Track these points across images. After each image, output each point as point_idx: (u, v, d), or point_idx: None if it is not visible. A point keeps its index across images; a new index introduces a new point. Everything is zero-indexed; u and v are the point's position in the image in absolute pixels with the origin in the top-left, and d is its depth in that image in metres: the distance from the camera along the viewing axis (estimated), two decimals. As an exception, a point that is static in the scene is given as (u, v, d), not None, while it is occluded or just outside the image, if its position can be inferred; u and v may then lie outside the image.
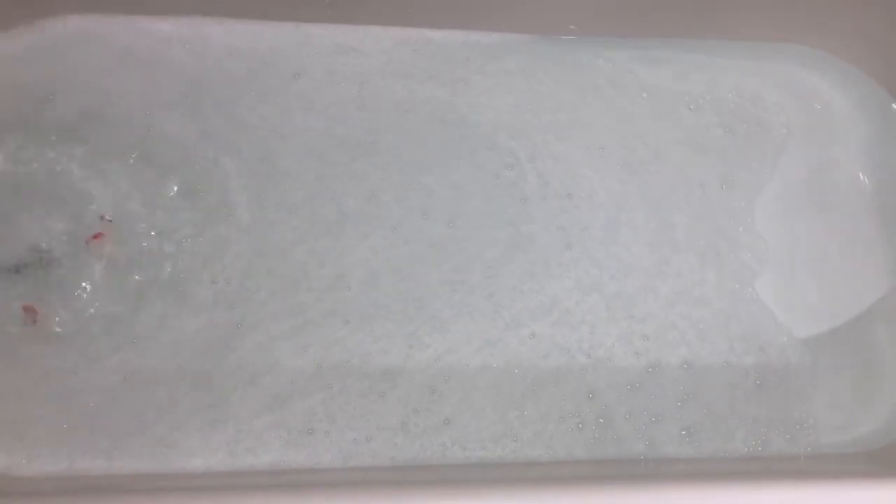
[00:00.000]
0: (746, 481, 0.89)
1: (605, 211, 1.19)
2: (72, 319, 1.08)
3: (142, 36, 1.18)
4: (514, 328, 1.12)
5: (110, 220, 1.11)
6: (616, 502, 0.86)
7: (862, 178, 1.24)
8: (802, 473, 1.02)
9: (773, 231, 1.21)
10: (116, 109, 1.15)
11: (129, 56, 1.17)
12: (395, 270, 1.13)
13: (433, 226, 1.16)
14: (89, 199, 1.12)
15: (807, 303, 1.18)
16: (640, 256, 1.17)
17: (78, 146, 1.13)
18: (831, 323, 1.18)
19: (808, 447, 1.11)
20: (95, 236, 1.10)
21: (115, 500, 0.88)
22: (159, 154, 1.15)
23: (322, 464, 1.04)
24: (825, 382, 1.15)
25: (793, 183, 1.23)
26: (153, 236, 1.12)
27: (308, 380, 1.08)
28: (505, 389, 1.10)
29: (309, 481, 1.02)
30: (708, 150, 1.23)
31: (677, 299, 1.16)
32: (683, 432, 1.10)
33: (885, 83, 1.26)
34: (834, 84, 1.28)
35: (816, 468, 1.09)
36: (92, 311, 1.08)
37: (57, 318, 1.08)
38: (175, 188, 1.14)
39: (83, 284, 1.09)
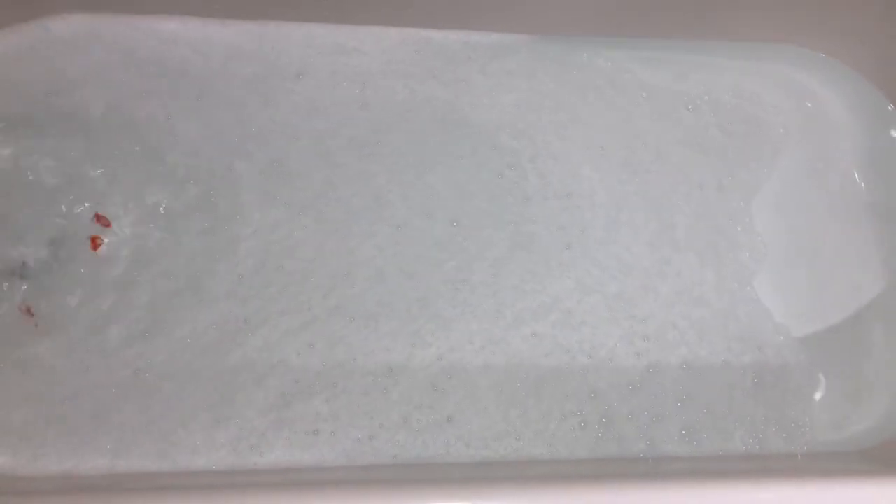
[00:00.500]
0: (745, 480, 0.89)
1: (605, 211, 1.19)
2: (77, 319, 1.08)
3: (146, 35, 1.18)
4: (515, 327, 1.13)
5: (107, 223, 1.11)
6: (617, 500, 0.86)
7: (857, 179, 1.25)
8: (799, 472, 1.02)
9: (771, 231, 1.22)
10: (120, 109, 1.15)
11: (134, 55, 1.17)
12: (399, 269, 1.13)
13: (437, 225, 1.16)
14: (91, 198, 1.12)
15: (803, 302, 1.19)
16: (640, 256, 1.18)
17: (81, 145, 1.13)
18: (827, 322, 1.19)
19: (805, 446, 1.12)
20: (93, 238, 1.10)
21: (118, 499, 0.88)
22: (166, 154, 1.14)
23: (326, 462, 1.04)
24: (821, 381, 1.16)
25: (790, 183, 1.24)
26: (159, 235, 1.12)
27: (313, 378, 1.08)
28: (507, 388, 1.10)
29: (312, 479, 1.02)
30: (707, 151, 1.24)
31: (677, 299, 1.17)
32: (683, 432, 1.11)
33: (882, 86, 1.27)
34: (832, 86, 1.29)
35: (812, 466, 1.09)
36: (99, 310, 1.08)
37: (61, 319, 1.08)
38: (181, 187, 1.14)
39: (87, 284, 1.09)
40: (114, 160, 1.13)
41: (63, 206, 1.11)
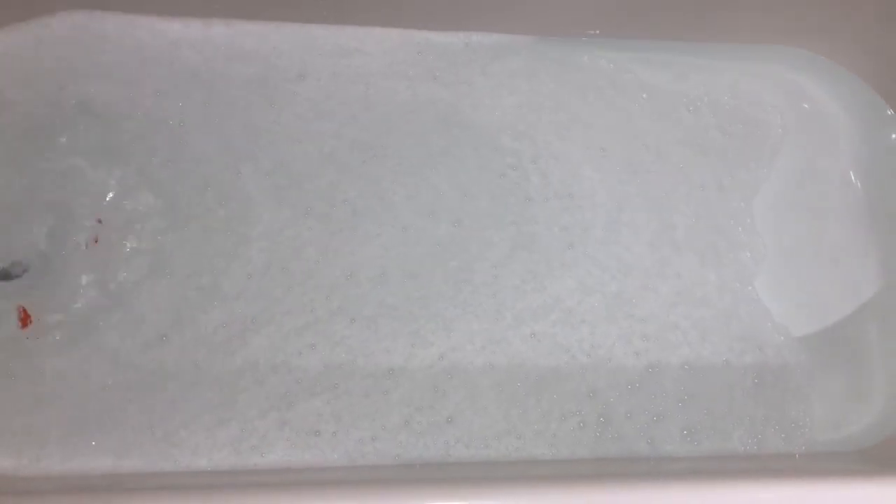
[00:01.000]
0: (744, 479, 0.89)
1: (605, 211, 1.20)
2: (85, 319, 1.08)
3: (149, 34, 1.18)
4: (516, 327, 1.13)
5: (98, 221, 1.11)
6: (618, 500, 0.86)
7: (854, 179, 1.26)
8: (798, 471, 1.03)
9: (771, 231, 1.22)
10: (126, 109, 1.15)
11: (137, 55, 1.17)
12: (402, 269, 1.14)
13: (441, 225, 1.16)
14: (92, 199, 1.12)
15: (802, 302, 1.20)
16: (641, 257, 1.18)
17: (86, 144, 1.13)
18: (824, 322, 1.20)
19: (804, 445, 1.12)
20: (95, 237, 1.10)
21: (119, 499, 0.88)
22: (173, 154, 1.15)
23: (327, 463, 1.05)
24: (819, 381, 1.16)
25: (789, 184, 1.25)
26: (166, 235, 1.12)
27: (314, 379, 1.08)
28: (507, 388, 1.10)
29: (313, 479, 1.03)
30: (707, 151, 1.24)
31: (678, 299, 1.17)
32: (684, 431, 1.11)
33: (879, 88, 1.28)
34: (829, 87, 1.30)
35: (811, 466, 1.10)
36: (108, 311, 1.08)
37: (62, 319, 1.08)
38: (187, 187, 1.14)
39: (94, 285, 1.09)
40: (120, 161, 1.14)
41: (63, 208, 1.11)
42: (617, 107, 1.25)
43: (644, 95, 1.26)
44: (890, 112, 1.27)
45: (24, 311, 1.07)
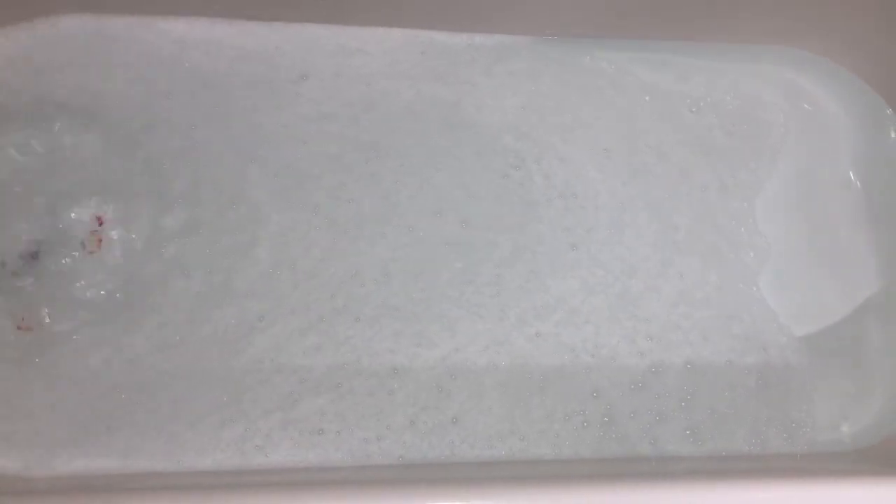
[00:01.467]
0: (746, 479, 0.89)
1: (608, 212, 1.20)
2: (92, 320, 1.08)
3: (155, 35, 1.18)
4: (520, 328, 1.13)
5: (100, 223, 1.11)
6: (621, 500, 0.86)
7: (854, 179, 1.26)
8: (800, 471, 1.03)
9: (772, 231, 1.22)
10: (128, 109, 1.15)
11: (142, 56, 1.17)
12: (407, 270, 1.14)
13: (446, 226, 1.16)
14: (97, 200, 1.12)
15: (804, 302, 1.20)
16: (644, 257, 1.18)
17: (92, 145, 1.13)
18: (827, 322, 1.20)
19: (805, 445, 1.12)
20: (98, 238, 1.11)
21: (119, 499, 0.88)
22: (181, 154, 1.15)
23: (331, 463, 1.05)
24: (820, 381, 1.17)
25: (789, 184, 1.25)
26: (175, 235, 1.12)
27: (318, 378, 1.08)
28: (511, 388, 1.11)
29: (317, 479, 1.03)
30: (709, 152, 1.25)
31: (680, 299, 1.17)
32: (687, 431, 1.11)
33: (879, 89, 1.28)
34: (830, 87, 1.30)
35: (813, 466, 1.10)
36: (114, 311, 1.09)
37: (70, 319, 1.08)
38: (197, 188, 1.14)
39: (105, 284, 1.09)
40: (126, 162, 1.14)
41: (65, 209, 1.11)
42: (619, 107, 1.25)
43: (646, 97, 1.26)
44: (890, 112, 1.27)
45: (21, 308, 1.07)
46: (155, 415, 1.05)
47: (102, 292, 1.09)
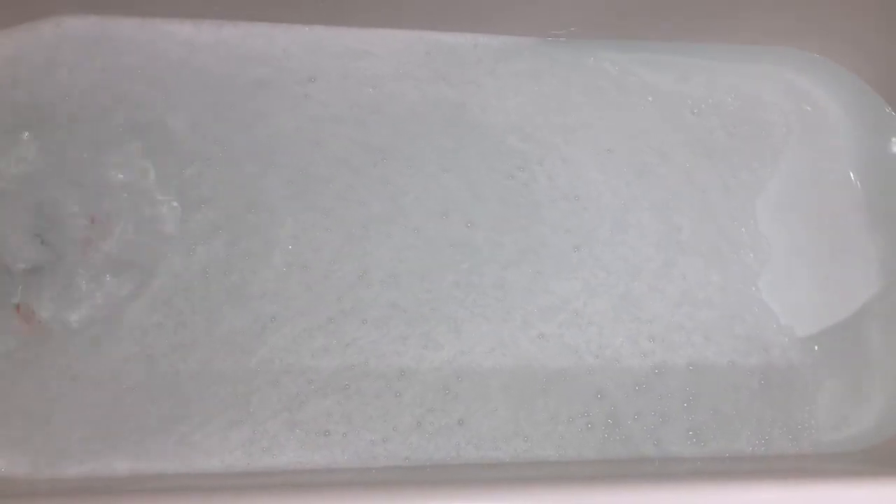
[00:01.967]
0: (749, 480, 0.89)
1: (611, 213, 1.20)
2: (103, 322, 1.08)
3: (159, 37, 1.18)
4: (524, 329, 1.13)
5: (106, 223, 1.11)
6: (625, 501, 0.87)
7: (854, 179, 1.27)
8: (802, 472, 1.03)
9: (773, 232, 1.23)
10: (134, 111, 1.15)
11: (148, 58, 1.17)
12: (413, 271, 1.14)
13: (452, 227, 1.17)
14: (106, 203, 1.12)
15: (806, 303, 1.21)
16: (647, 258, 1.19)
17: (96, 146, 1.13)
18: (829, 322, 1.20)
19: (809, 446, 1.13)
20: (88, 240, 1.10)
21: (120, 499, 0.88)
22: (191, 157, 1.14)
23: (337, 464, 1.05)
24: (822, 382, 1.17)
25: (789, 185, 1.25)
26: (187, 236, 1.12)
27: (325, 380, 1.08)
28: (516, 390, 1.11)
29: (324, 481, 1.03)
30: (711, 153, 1.25)
31: (683, 300, 1.18)
32: (690, 432, 1.12)
33: (880, 89, 1.28)
34: (830, 88, 1.30)
35: (816, 467, 1.11)
36: (125, 312, 1.08)
37: (81, 321, 1.08)
38: (208, 190, 1.14)
39: (108, 287, 1.09)
40: (134, 164, 1.13)
41: (68, 209, 1.11)
42: (622, 108, 1.25)
43: (649, 97, 1.26)
44: (890, 112, 1.28)
45: (21, 308, 1.07)
46: (167, 417, 1.05)
47: (110, 293, 1.09)
